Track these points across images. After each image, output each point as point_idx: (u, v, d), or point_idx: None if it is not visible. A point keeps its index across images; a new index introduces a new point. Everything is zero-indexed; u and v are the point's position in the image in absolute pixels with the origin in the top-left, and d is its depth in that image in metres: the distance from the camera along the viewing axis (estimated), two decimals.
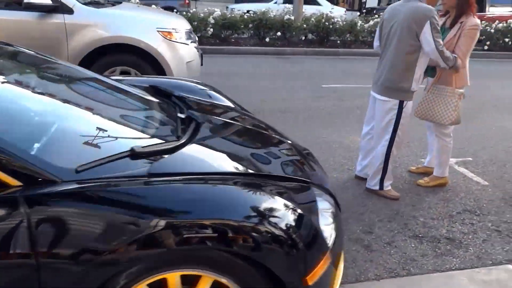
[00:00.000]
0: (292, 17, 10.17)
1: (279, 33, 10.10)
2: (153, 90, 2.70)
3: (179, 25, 4.88)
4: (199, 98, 2.75)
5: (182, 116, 2.23)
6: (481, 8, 14.14)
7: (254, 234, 1.50)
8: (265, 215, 1.56)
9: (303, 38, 10.57)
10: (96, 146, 1.67)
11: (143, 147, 1.73)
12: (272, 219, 1.55)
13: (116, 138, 1.78)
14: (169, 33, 4.59)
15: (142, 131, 1.97)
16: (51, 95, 2.03)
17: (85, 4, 4.48)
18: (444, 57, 2.94)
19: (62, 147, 1.64)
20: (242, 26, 9.92)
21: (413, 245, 2.67)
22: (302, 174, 2.05)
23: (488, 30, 11.19)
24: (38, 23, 4.19)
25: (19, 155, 1.42)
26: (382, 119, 3.16)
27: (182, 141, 1.88)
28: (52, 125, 1.73)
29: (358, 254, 2.55)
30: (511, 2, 15.23)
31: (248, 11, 12.04)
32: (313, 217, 1.74)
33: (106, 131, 1.80)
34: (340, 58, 9.70)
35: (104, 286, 1.41)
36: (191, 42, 4.91)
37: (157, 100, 2.42)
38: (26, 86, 2.03)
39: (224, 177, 1.73)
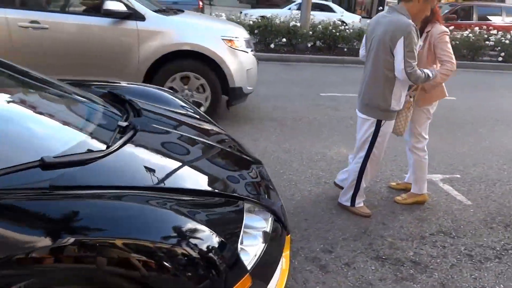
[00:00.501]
0: (298, 24, 10.03)
1: (284, 40, 9.98)
2: (111, 96, 2.63)
3: (240, 33, 5.04)
4: (158, 106, 2.67)
5: (123, 124, 2.13)
6: (468, 17, 13.71)
7: (151, 257, 1.39)
8: (169, 237, 1.45)
9: (310, 45, 10.42)
10: (7, 153, 1.59)
11: (54, 157, 1.64)
12: (173, 240, 1.44)
13: (33, 144, 1.70)
14: (232, 41, 4.76)
15: (68, 139, 1.88)
16: None
17: (155, 11, 4.67)
18: (414, 79, 2.72)
19: None
20: (248, 32, 9.81)
21: (373, 268, 2.51)
22: (235, 190, 1.94)
23: (503, 40, 10.82)
24: (113, 29, 4.44)
25: None
26: (361, 136, 3.00)
27: (107, 150, 1.79)
28: None
29: (311, 275, 2.41)
30: None
31: (262, 17, 11.99)
32: (232, 238, 1.62)
33: (23, 137, 1.73)
34: (345, 66, 9.51)
35: None
36: (250, 50, 5.02)
37: (103, 107, 2.33)
38: None
39: (134, 192, 1.62)
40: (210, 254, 1.49)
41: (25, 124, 1.88)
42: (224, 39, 4.72)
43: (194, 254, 1.45)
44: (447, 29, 2.99)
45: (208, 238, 1.51)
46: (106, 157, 1.75)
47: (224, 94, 4.87)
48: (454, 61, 2.93)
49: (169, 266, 1.40)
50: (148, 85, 3.21)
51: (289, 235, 2.09)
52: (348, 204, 3.11)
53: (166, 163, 1.96)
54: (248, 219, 1.79)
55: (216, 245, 1.53)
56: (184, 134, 2.30)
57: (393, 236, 2.85)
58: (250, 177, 2.16)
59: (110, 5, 4.33)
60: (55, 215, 1.41)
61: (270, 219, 1.93)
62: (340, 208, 3.15)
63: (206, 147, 2.25)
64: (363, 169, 3.02)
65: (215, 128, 2.66)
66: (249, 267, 1.61)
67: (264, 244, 1.76)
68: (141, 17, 4.48)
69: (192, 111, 2.85)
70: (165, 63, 4.61)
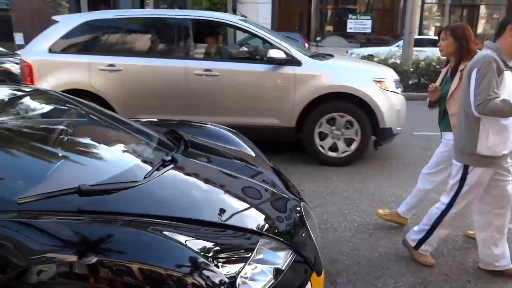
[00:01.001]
0: (398, 61, 9.73)
1: None
2: (173, 133, 2.92)
3: (390, 74, 5.22)
4: (216, 143, 2.87)
5: (167, 158, 2.35)
6: None
7: None
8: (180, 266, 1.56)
9: (414, 82, 9.99)
10: (49, 179, 1.90)
11: (91, 185, 1.89)
12: (181, 269, 1.55)
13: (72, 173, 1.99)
14: (383, 82, 4.93)
15: (112, 169, 2.13)
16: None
17: (310, 57, 5.05)
18: (487, 113, 2.40)
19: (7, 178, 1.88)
20: None
21: None
22: (257, 225, 1.98)
23: None
24: (273, 74, 4.87)
25: None
26: (451, 180, 2.72)
27: (140, 182, 2.00)
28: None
29: None
30: None
31: (370, 55, 11.93)
32: (233, 271, 1.66)
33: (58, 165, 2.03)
34: None
35: None
36: (400, 90, 5.22)
37: (156, 142, 2.59)
38: None
39: (152, 221, 1.77)
40: (204, 283, 1.55)
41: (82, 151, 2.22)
42: (375, 81, 4.86)
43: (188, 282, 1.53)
44: None
45: (205, 268, 1.58)
46: (136, 187, 1.96)
47: (373, 135, 4.95)
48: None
49: None
50: (220, 126, 3.38)
51: (321, 275, 2.08)
52: (413, 244, 2.87)
53: (193, 195, 2.10)
54: (264, 254, 1.83)
55: (212, 276, 1.58)
56: (223, 170, 2.43)
57: None
58: (278, 213, 2.19)
59: (273, 53, 4.77)
60: (83, 236, 1.62)
61: (290, 256, 1.93)
62: (404, 246, 2.93)
63: (240, 182, 2.34)
64: (441, 218, 2.71)
65: (262, 165, 2.74)
66: None
67: (273, 280, 1.76)
68: (297, 63, 4.81)
69: (250, 149, 3.00)
70: (317, 105, 4.85)
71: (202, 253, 1.63)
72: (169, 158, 2.34)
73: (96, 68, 4.95)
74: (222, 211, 2.04)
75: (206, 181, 2.28)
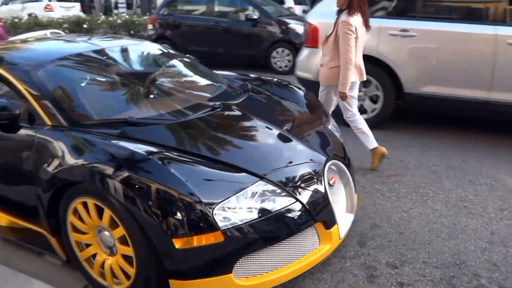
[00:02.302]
0: None
1: None
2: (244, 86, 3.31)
3: None
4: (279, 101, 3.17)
5: (217, 104, 2.73)
6: None
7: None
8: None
9: None
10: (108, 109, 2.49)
11: (137, 118, 2.40)
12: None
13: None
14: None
15: (164, 107, 2.64)
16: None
17: None
18: None
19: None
20: None
21: None
22: (263, 171, 2.21)
23: None
24: None
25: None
26: None
27: (182, 119, 2.45)
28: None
29: (352, 278, 2.37)
30: None
31: None
32: (216, 200, 1.97)
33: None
34: None
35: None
36: None
37: (218, 90, 3.03)
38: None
39: (176, 153, 2.18)
40: (184, 209, 1.92)
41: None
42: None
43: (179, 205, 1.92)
44: (350, 21, 3.24)
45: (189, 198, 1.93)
46: (172, 124, 2.41)
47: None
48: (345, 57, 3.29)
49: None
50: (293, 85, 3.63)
51: (332, 229, 2.30)
52: None
53: (222, 137, 2.44)
54: (258, 193, 2.09)
55: (194, 203, 1.92)
56: (261, 122, 2.66)
57: (497, 281, 2.35)
58: (292, 165, 2.36)
59: None
60: (120, 154, 2.12)
61: (288, 203, 2.14)
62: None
63: (270, 134, 2.56)
64: None
65: (312, 124, 2.90)
66: (222, 227, 1.93)
67: (256, 217, 2.02)
68: None
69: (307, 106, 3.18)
70: None
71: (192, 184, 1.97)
72: (218, 104, 2.72)
73: (386, 32, 4.54)
74: (235, 153, 2.33)
75: (239, 128, 2.58)
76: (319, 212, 2.27)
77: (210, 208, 1.94)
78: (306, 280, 2.36)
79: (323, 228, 2.30)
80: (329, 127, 3.05)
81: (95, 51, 3.02)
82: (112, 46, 3.24)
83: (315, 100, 3.33)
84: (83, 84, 2.70)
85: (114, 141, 2.20)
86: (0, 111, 2.34)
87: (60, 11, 18.19)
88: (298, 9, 14.49)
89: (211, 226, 1.92)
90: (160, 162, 2.03)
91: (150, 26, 9.55)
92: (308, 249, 2.27)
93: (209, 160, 2.20)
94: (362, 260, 2.53)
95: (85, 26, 13.85)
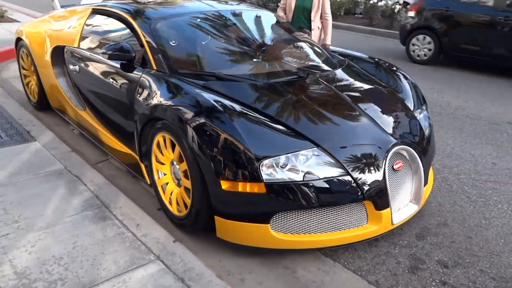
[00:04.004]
0: None
1: None
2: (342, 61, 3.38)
3: None
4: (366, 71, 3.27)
5: (303, 73, 2.87)
6: None
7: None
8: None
9: None
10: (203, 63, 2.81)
11: (224, 74, 2.68)
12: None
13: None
14: None
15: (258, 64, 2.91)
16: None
17: None
18: None
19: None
20: None
21: None
22: (317, 138, 2.30)
23: None
24: None
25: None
26: None
27: (263, 81, 2.68)
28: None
29: (394, 265, 2.35)
30: None
31: None
32: (265, 157, 2.14)
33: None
34: None
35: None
36: None
37: (319, 60, 3.25)
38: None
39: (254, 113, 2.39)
40: (235, 157, 2.15)
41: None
42: None
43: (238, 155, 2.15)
44: None
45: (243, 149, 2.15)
46: (253, 84, 2.63)
47: None
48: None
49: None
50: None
51: (383, 211, 2.33)
52: None
53: (295, 103, 2.60)
54: (309, 159, 2.21)
55: (244, 154, 2.13)
56: (346, 94, 2.73)
57: None
58: (357, 141, 2.40)
59: None
60: (201, 102, 2.41)
61: (338, 175, 2.23)
62: None
63: (348, 108, 2.63)
64: None
65: (397, 105, 2.85)
66: (266, 180, 2.11)
67: (301, 179, 2.15)
68: None
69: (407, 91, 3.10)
70: None
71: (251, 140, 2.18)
72: (304, 73, 2.87)
73: None
74: (302, 119, 2.45)
75: (314, 97, 2.68)
76: (370, 191, 2.28)
77: (259, 161, 2.12)
78: (346, 253, 2.42)
79: (372, 207, 2.32)
80: (419, 115, 2.94)
81: (209, 12, 3.37)
82: (228, 9, 3.54)
83: (417, 91, 3.19)
84: (189, 39, 3.07)
85: (199, 91, 2.50)
86: (124, 52, 2.83)
87: None
88: None
89: (256, 177, 2.11)
90: (228, 115, 2.27)
91: (410, 13, 7.85)
92: (353, 224, 2.32)
93: (274, 121, 2.36)
94: (413, 251, 2.46)
95: None
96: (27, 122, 3.86)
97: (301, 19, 4.43)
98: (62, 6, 4.82)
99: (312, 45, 3.52)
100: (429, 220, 2.77)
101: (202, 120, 2.26)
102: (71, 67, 3.59)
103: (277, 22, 3.78)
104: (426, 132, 2.83)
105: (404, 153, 2.51)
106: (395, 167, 2.42)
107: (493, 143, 4.06)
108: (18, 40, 4.45)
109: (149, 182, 2.82)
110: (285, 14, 4.53)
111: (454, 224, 2.75)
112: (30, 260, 2.11)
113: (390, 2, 11.66)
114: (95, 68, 3.28)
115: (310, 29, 4.46)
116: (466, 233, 2.66)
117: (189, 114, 2.32)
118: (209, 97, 2.41)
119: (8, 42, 6.73)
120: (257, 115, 2.36)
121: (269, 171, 2.13)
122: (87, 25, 3.62)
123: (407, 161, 2.52)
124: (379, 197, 2.31)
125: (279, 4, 4.76)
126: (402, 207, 2.51)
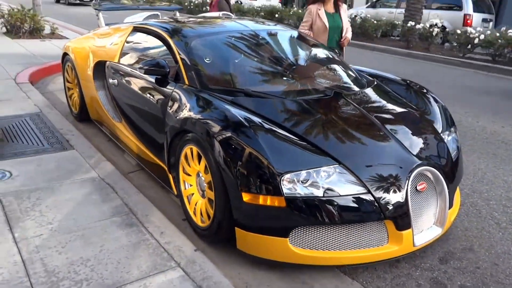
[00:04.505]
0: None
1: None
2: (371, 82, 3.42)
3: None
4: (396, 93, 3.29)
5: (329, 91, 2.93)
6: None
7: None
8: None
9: None
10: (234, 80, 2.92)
11: (253, 91, 2.77)
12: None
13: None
14: None
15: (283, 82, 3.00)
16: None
17: None
18: None
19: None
20: None
21: None
22: (340, 156, 2.33)
23: None
24: None
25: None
26: None
27: (290, 98, 2.76)
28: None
29: (412, 283, 2.31)
30: None
31: None
32: (287, 171, 2.19)
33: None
34: None
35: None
36: None
37: (348, 80, 3.31)
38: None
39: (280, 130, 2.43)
40: (258, 170, 2.21)
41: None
42: None
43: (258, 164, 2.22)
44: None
45: (264, 162, 2.21)
46: (274, 100, 2.71)
47: None
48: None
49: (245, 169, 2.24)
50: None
51: (404, 232, 2.30)
52: None
53: (320, 121, 2.64)
54: (331, 176, 2.25)
55: (267, 168, 2.19)
56: (372, 114, 2.77)
57: None
58: (381, 161, 2.42)
59: None
60: (229, 117, 2.48)
61: (359, 193, 2.24)
62: None
63: (376, 128, 2.65)
64: None
65: (424, 126, 2.84)
66: (286, 194, 2.16)
67: (322, 195, 2.19)
68: None
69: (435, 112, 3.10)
70: None
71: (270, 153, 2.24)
72: (331, 91, 2.94)
73: None
74: (327, 137, 2.49)
75: (340, 116, 2.72)
76: (391, 211, 2.27)
77: (280, 175, 2.17)
78: (365, 272, 2.41)
79: (393, 228, 2.31)
80: (448, 137, 2.91)
81: (244, 32, 3.50)
82: (262, 29, 3.66)
83: (446, 114, 3.17)
84: (221, 56, 3.20)
85: (228, 106, 2.59)
86: (159, 67, 2.98)
87: (261, 1, 20.06)
88: (477, 17, 12.91)
89: (277, 191, 2.16)
90: (253, 130, 2.34)
91: None
92: (374, 243, 2.32)
93: (298, 137, 2.42)
94: (435, 275, 2.42)
95: (276, 15, 15.03)
96: (67, 131, 4.09)
97: (334, 38, 4.51)
98: (106, 24, 5.12)
99: (341, 65, 3.57)
100: (454, 244, 2.72)
101: (229, 134, 2.35)
102: (110, 81, 3.80)
103: (308, 42, 3.86)
104: (453, 155, 2.79)
105: (429, 174, 2.49)
106: (418, 188, 2.41)
107: None
108: (65, 55, 4.75)
109: (175, 193, 2.92)
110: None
111: (480, 249, 2.68)
112: (59, 259, 2.24)
113: (427, 25, 11.54)
114: (132, 82, 3.46)
115: (341, 48, 4.54)
116: (493, 259, 2.59)
117: (216, 128, 2.41)
118: (237, 112, 2.50)
119: (57, 57, 7.16)
120: (282, 131, 2.42)
121: (290, 186, 2.18)
122: (128, 42, 3.83)
123: (431, 183, 2.50)
124: (401, 217, 2.30)
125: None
126: (425, 229, 2.48)
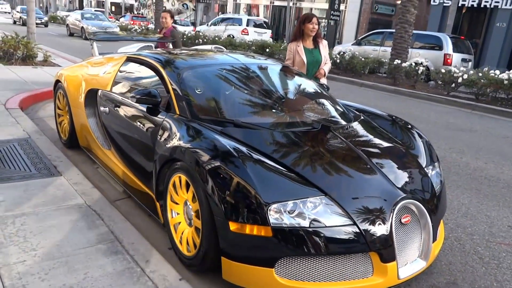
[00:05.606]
0: None
1: None
2: (357, 116, 3.51)
3: None
4: (382, 128, 3.36)
5: (317, 125, 3.00)
6: None
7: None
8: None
9: None
10: (223, 111, 2.97)
11: (242, 122, 2.83)
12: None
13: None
14: None
15: (269, 112, 3.05)
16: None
17: None
18: None
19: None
20: None
21: None
22: (326, 188, 2.38)
23: None
24: None
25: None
26: None
27: (277, 130, 2.81)
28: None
29: None
30: None
31: None
32: (274, 200, 2.23)
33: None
34: None
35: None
36: None
37: (333, 115, 3.36)
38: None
39: (266, 160, 2.48)
40: (245, 200, 2.24)
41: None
42: None
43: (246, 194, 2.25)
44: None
45: (252, 193, 2.24)
46: (263, 131, 2.77)
47: None
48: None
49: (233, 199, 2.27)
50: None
51: (388, 264, 2.32)
52: None
53: (307, 153, 2.69)
54: (317, 207, 2.28)
55: (254, 198, 2.23)
56: (358, 147, 2.84)
57: None
58: (367, 194, 2.46)
59: None
60: (217, 147, 2.54)
61: (344, 224, 2.28)
62: None
63: (359, 162, 2.70)
64: None
65: (409, 161, 2.91)
66: (273, 224, 2.18)
67: (308, 225, 2.21)
68: None
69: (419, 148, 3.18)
70: None
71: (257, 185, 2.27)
72: (318, 125, 3.01)
73: None
74: (313, 169, 2.54)
75: (326, 148, 2.78)
76: (376, 243, 2.30)
77: (267, 205, 2.20)
78: None
79: (378, 260, 2.33)
80: (431, 172, 2.98)
81: (234, 65, 3.60)
82: (253, 62, 3.77)
83: (430, 149, 3.26)
84: (211, 88, 3.28)
85: (217, 136, 2.64)
86: (151, 97, 3.04)
87: (253, 35, 20.54)
88: (456, 57, 13.39)
89: (264, 221, 2.19)
90: (242, 160, 2.38)
91: None
92: (359, 275, 2.33)
93: (286, 168, 2.46)
94: None
95: (267, 50, 15.37)
96: (56, 158, 4.08)
97: (313, 72, 4.64)
98: (100, 54, 5.20)
99: (328, 99, 3.67)
100: (438, 278, 2.74)
101: (217, 163, 2.38)
102: (101, 108, 3.84)
103: (297, 76, 3.96)
104: (437, 189, 2.86)
105: (413, 207, 2.54)
106: (402, 220, 2.45)
107: (510, 206, 4.01)
108: (57, 82, 4.79)
109: (162, 221, 2.92)
110: None
111: (464, 284, 2.71)
112: (42, 286, 2.20)
113: (413, 64, 11.91)
114: (123, 111, 3.50)
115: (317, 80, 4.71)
116: None
117: (205, 157, 2.45)
118: (226, 142, 2.55)
119: (48, 84, 7.21)
120: (270, 162, 2.47)
121: (276, 216, 2.21)
122: (121, 71, 3.90)
123: (415, 216, 2.55)
124: (385, 249, 2.33)
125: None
126: (410, 262, 2.50)
